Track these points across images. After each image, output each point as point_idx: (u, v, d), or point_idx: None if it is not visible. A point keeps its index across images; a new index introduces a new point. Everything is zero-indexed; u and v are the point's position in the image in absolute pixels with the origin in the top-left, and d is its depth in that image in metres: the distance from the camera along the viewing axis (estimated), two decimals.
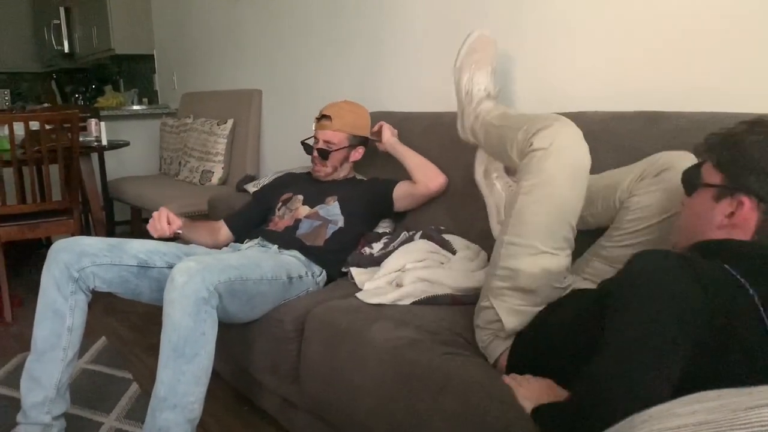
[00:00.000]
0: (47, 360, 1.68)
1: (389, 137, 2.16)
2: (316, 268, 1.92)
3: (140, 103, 4.89)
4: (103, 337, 2.55)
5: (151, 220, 1.85)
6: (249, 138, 3.61)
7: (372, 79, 2.73)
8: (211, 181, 3.59)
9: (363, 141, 2.19)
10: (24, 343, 2.54)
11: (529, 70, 2.07)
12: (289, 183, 2.24)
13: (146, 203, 3.49)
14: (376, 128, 2.22)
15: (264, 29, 3.45)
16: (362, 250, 1.97)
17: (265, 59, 3.52)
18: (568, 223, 1.30)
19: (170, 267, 1.76)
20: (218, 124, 3.63)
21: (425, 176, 2.04)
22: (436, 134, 2.16)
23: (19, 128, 2.84)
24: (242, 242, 2.05)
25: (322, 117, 2.15)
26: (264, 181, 2.51)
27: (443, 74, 2.39)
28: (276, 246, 1.93)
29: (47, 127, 2.83)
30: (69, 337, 1.70)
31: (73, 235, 3.09)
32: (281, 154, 3.45)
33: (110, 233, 3.72)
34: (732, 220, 1.05)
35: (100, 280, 1.71)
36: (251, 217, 2.18)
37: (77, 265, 1.68)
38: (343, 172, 2.20)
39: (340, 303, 1.63)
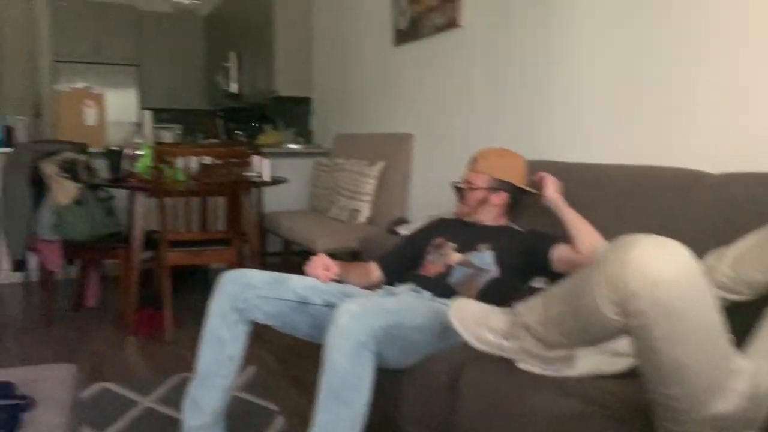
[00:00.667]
0: (208, 386, 1.76)
1: (552, 193, 2.07)
2: None
3: (296, 142, 5.16)
4: (253, 367, 2.64)
5: (310, 263, 1.90)
6: (398, 180, 3.67)
7: (530, 126, 2.67)
8: (358, 219, 3.67)
9: (508, 187, 2.13)
10: (182, 364, 2.70)
11: (721, 116, 1.91)
12: (441, 228, 2.22)
13: (297, 237, 3.64)
14: (537, 178, 2.15)
15: (421, 74, 3.52)
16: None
17: (418, 104, 3.57)
18: (724, 333, 1.08)
19: (327, 305, 1.80)
20: (369, 165, 3.73)
21: (591, 247, 1.89)
22: (601, 188, 2.04)
23: (192, 161, 3.08)
24: (394, 285, 2.05)
25: (472, 160, 2.19)
26: (416, 224, 2.51)
27: (611, 123, 2.28)
28: (429, 293, 1.91)
29: (218, 161, 3.04)
30: (229, 365, 1.77)
31: (231, 264, 3.28)
32: (429, 198, 3.46)
33: (263, 264, 3.90)
34: None
35: (262, 313, 1.78)
36: (402, 261, 2.18)
37: (242, 296, 1.76)
38: (487, 216, 2.14)
39: (498, 363, 1.55)
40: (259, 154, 4.03)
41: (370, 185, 3.69)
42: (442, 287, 1.93)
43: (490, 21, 2.91)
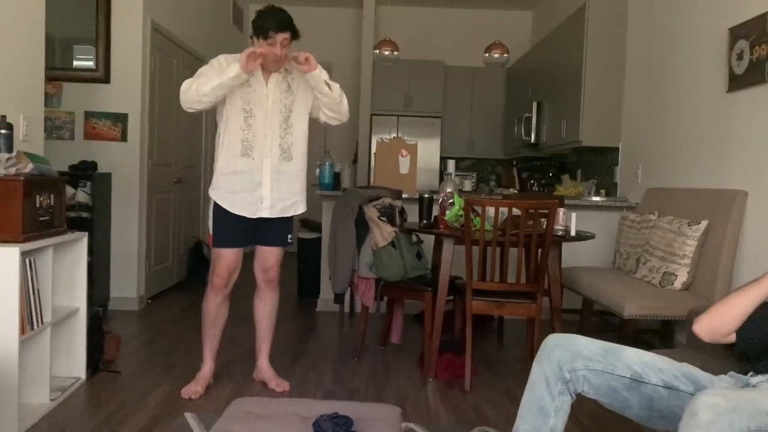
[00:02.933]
0: None
1: None
2: None
3: (597, 194, 4.91)
4: None
5: None
6: (725, 243, 3.22)
7: None
8: (672, 284, 3.30)
9: None
10: (481, 417, 2.66)
11: None
12: None
13: (601, 297, 3.40)
14: None
15: (764, 123, 3.06)
16: None
17: (758, 157, 3.10)
18: None
19: (666, 386, 1.60)
20: (689, 225, 3.34)
21: None
22: None
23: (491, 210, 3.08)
24: (743, 372, 1.73)
25: None
26: None
27: None
28: None
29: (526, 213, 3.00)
30: None
31: (531, 318, 3.19)
32: (764, 266, 2.95)
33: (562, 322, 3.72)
34: None
35: (589, 385, 1.64)
36: (762, 340, 1.84)
37: (569, 366, 1.64)
38: None
39: None
40: (560, 206, 3.91)
41: (689, 247, 3.30)
42: None
43: None
